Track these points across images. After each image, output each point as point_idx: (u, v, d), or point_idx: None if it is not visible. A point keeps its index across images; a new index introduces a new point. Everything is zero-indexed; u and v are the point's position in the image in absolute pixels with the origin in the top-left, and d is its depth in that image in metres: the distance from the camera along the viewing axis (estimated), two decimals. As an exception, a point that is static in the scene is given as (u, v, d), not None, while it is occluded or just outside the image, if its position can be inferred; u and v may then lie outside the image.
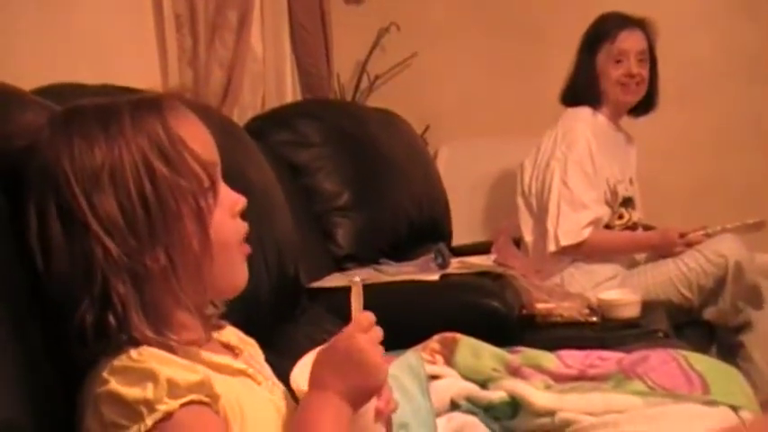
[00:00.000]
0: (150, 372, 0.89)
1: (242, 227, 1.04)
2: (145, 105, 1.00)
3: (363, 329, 1.00)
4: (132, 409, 0.88)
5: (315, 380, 0.99)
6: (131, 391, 0.89)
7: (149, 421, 0.88)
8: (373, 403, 1.02)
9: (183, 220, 0.97)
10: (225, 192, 1.03)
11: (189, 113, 1.02)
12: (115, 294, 0.92)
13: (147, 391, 0.88)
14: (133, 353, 0.91)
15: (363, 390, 0.99)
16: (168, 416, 0.88)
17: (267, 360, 1.17)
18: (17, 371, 0.94)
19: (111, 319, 0.92)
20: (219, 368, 0.99)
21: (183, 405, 0.89)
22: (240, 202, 1.04)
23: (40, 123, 0.99)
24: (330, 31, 3.23)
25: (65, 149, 0.95)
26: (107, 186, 0.94)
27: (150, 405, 0.88)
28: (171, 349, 0.94)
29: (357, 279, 1.05)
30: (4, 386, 0.92)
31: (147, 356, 0.91)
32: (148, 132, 0.97)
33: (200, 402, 0.91)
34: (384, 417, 1.07)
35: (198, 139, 1.01)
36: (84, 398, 0.93)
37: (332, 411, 0.97)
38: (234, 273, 1.04)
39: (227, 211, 1.02)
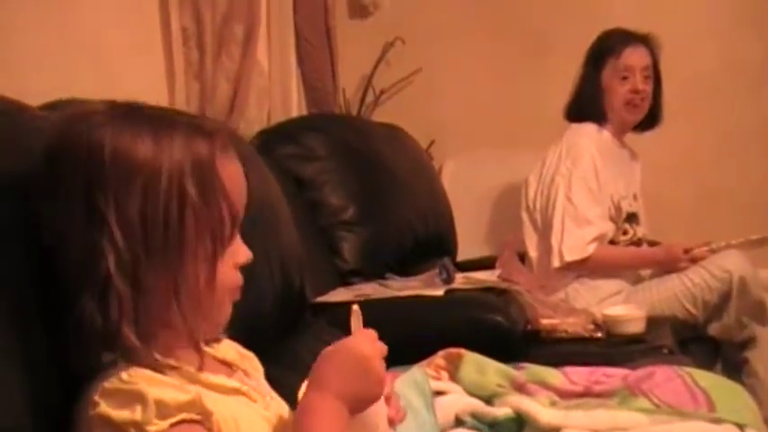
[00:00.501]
0: (139, 393, 0.89)
1: (239, 279, 1.05)
2: (202, 131, 1.00)
3: (371, 340, 1.01)
4: None
5: (316, 378, 0.99)
6: (121, 414, 0.89)
7: None
8: (381, 409, 1.03)
9: (196, 253, 0.97)
10: (237, 243, 1.03)
11: (235, 159, 1.03)
12: (114, 294, 0.92)
13: (136, 414, 0.88)
14: (123, 375, 0.92)
15: (362, 397, 1.00)
16: None
17: (269, 374, 1.18)
18: (20, 377, 0.94)
19: (105, 317, 0.92)
20: (213, 387, 0.99)
21: (172, 425, 0.89)
22: (246, 256, 1.05)
23: (97, 107, 0.99)
24: (335, 46, 3.24)
25: (111, 137, 0.95)
26: (138, 189, 0.94)
27: (139, 427, 0.88)
28: (157, 365, 0.94)
29: (355, 307, 1.06)
30: (7, 393, 0.93)
31: (138, 378, 0.91)
32: (194, 157, 0.97)
33: (191, 421, 0.91)
34: (395, 425, 1.07)
35: (235, 187, 1.01)
36: (79, 420, 0.93)
37: (331, 412, 0.97)
38: (220, 314, 1.04)
39: (232, 261, 1.02)
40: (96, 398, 0.91)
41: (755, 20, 3.50)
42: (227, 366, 1.09)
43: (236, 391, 1.03)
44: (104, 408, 0.90)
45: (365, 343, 1.00)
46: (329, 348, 1.01)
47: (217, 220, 0.98)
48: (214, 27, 2.49)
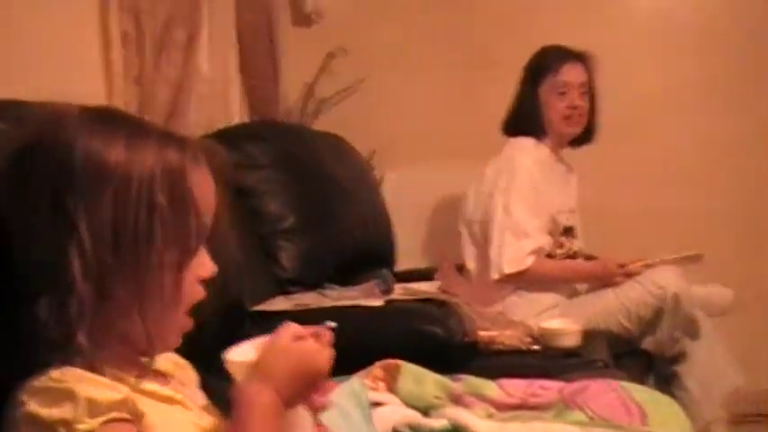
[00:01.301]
0: (69, 391, 0.88)
1: (202, 293, 1.04)
2: (173, 141, 0.99)
3: (326, 348, 1.03)
4: (51, 431, 0.87)
5: (263, 369, 0.99)
6: (50, 412, 0.87)
7: None
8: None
9: (162, 263, 0.96)
10: (202, 255, 1.03)
11: (207, 172, 1.02)
12: (76, 299, 0.91)
13: (66, 412, 0.87)
14: (54, 373, 0.90)
15: (299, 397, 1.01)
16: None
17: (208, 383, 1.16)
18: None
19: (61, 321, 0.91)
20: (148, 394, 0.98)
21: (103, 423, 0.88)
22: (211, 270, 1.04)
23: (70, 110, 0.98)
24: (278, 53, 3.23)
25: (83, 141, 0.94)
26: (108, 196, 0.93)
27: (69, 425, 0.87)
28: (98, 371, 0.92)
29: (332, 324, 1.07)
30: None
31: (69, 376, 0.90)
32: (165, 166, 0.96)
33: (122, 420, 0.90)
34: (320, 410, 1.08)
35: (204, 199, 1.01)
36: (6, 421, 0.91)
37: (269, 408, 0.97)
38: (181, 325, 1.04)
39: (196, 274, 1.02)
40: (24, 397, 0.89)
41: (696, 41, 3.59)
42: (162, 376, 1.08)
43: (170, 399, 1.02)
44: (33, 407, 0.88)
45: (323, 352, 1.02)
46: (286, 342, 1.01)
47: (184, 230, 0.98)
48: (155, 32, 2.46)
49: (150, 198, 0.94)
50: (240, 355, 1.03)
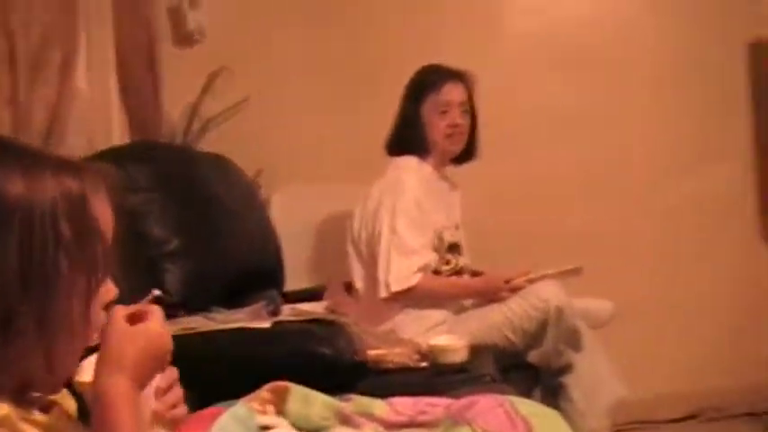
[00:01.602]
0: None
1: (104, 319, 1.02)
2: (70, 168, 0.98)
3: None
4: None
5: (115, 359, 0.99)
6: None
7: None
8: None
9: (71, 295, 0.95)
10: (107, 281, 1.02)
11: (106, 198, 1.01)
12: None
13: None
14: None
15: (150, 377, 1.03)
16: None
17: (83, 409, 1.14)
18: None
19: None
20: (31, 422, 0.96)
21: None
22: (114, 294, 1.04)
23: None
24: (159, 73, 3.17)
25: None
26: (12, 229, 0.91)
27: None
28: None
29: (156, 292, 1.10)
30: None
31: None
32: (66, 195, 0.94)
33: None
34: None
35: (106, 225, 1.00)
36: None
37: (128, 398, 0.98)
38: (77, 363, 1.02)
39: (102, 301, 1.01)
40: None
41: (569, 64, 3.69)
42: (47, 404, 1.05)
43: (49, 427, 0.99)
44: None
45: (164, 331, 1.04)
46: (124, 327, 1.01)
47: (91, 258, 0.97)
48: (29, 51, 2.39)
49: (55, 229, 0.93)
50: (87, 373, 1.02)
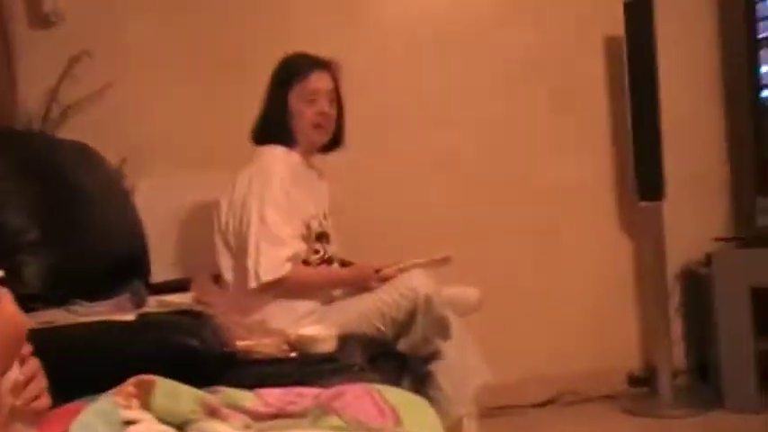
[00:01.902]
0: None
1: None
2: None
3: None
4: None
5: None
6: None
7: None
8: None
9: None
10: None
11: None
12: None
13: None
14: None
15: (8, 363, 0.99)
16: None
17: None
18: None
19: None
20: None
21: None
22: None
23: None
24: (14, 57, 3.04)
25: None
26: None
27: None
28: None
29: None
30: None
31: None
32: None
33: None
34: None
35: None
36: None
37: None
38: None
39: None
40: None
41: (437, 52, 3.74)
42: None
43: None
44: None
45: (18, 313, 0.99)
46: None
47: None
48: None
49: None
50: None
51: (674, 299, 3.90)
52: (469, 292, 3.02)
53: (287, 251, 2.70)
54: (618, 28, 3.68)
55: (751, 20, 3.64)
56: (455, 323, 2.79)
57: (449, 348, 2.77)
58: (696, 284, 3.81)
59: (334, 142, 2.96)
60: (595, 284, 3.90)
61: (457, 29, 3.76)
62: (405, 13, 3.74)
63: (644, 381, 3.87)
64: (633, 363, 3.92)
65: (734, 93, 3.89)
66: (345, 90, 2.96)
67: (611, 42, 3.86)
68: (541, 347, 3.82)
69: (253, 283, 2.66)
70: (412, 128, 3.70)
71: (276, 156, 2.82)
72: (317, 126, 2.86)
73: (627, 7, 3.66)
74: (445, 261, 2.86)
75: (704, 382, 3.79)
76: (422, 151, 3.70)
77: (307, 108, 2.84)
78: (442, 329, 2.74)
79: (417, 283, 2.71)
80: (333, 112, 2.89)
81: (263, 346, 2.29)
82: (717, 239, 3.71)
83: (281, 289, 2.69)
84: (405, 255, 2.90)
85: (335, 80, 2.91)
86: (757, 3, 3.62)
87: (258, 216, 2.69)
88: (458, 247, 2.96)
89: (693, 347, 3.91)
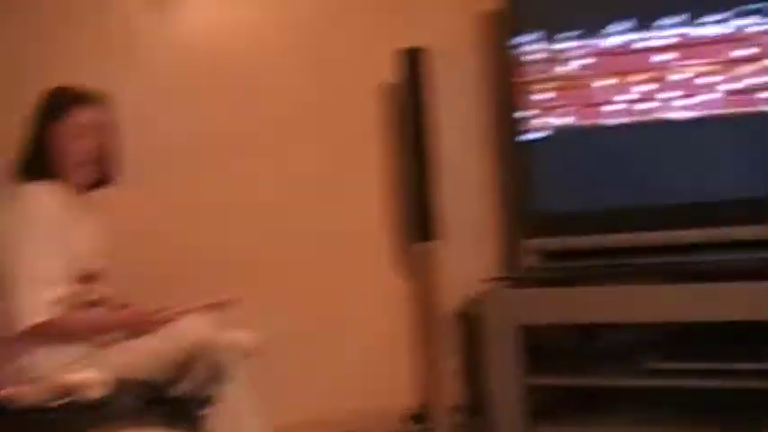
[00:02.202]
0: None
1: None
2: None
3: None
4: None
5: None
6: None
7: None
8: None
9: None
10: None
11: None
12: None
13: None
14: None
15: None
16: None
17: None
18: None
19: None
20: None
21: None
22: None
23: None
24: None
25: None
26: None
27: None
28: None
29: None
30: None
31: None
32: None
33: None
34: None
35: None
36: None
37: None
38: None
39: None
40: None
41: (220, 91, 3.74)
42: None
43: None
44: None
45: None
46: None
47: None
48: None
49: None
50: None
51: (450, 338, 4.04)
52: (245, 337, 2.99)
53: (51, 293, 2.58)
54: (393, 75, 3.82)
55: (511, 64, 3.85)
56: (232, 367, 2.76)
57: (224, 394, 2.74)
58: (468, 323, 3.97)
59: (105, 179, 2.87)
60: (375, 326, 3.99)
61: (235, 68, 3.77)
62: (182, 50, 3.71)
63: (422, 418, 3.97)
64: (412, 401, 4.02)
65: (499, 138, 4.12)
66: (123, 126, 2.88)
67: (386, 89, 4.00)
68: (323, 389, 3.84)
69: (17, 327, 2.53)
70: (190, 165, 3.65)
71: (39, 193, 2.69)
72: (82, 163, 2.77)
73: (401, 55, 3.81)
74: (224, 305, 2.83)
75: (481, 418, 3.94)
76: (202, 190, 3.66)
77: (71, 144, 2.75)
78: (217, 374, 2.71)
79: (192, 327, 2.67)
80: (100, 147, 2.80)
81: (26, 393, 2.19)
82: (486, 280, 3.88)
83: (46, 333, 2.57)
84: (184, 299, 2.84)
85: (105, 114, 2.83)
86: (515, 48, 3.83)
87: (20, 257, 2.57)
88: (245, 291, 2.94)
89: (468, 385, 4.06)
